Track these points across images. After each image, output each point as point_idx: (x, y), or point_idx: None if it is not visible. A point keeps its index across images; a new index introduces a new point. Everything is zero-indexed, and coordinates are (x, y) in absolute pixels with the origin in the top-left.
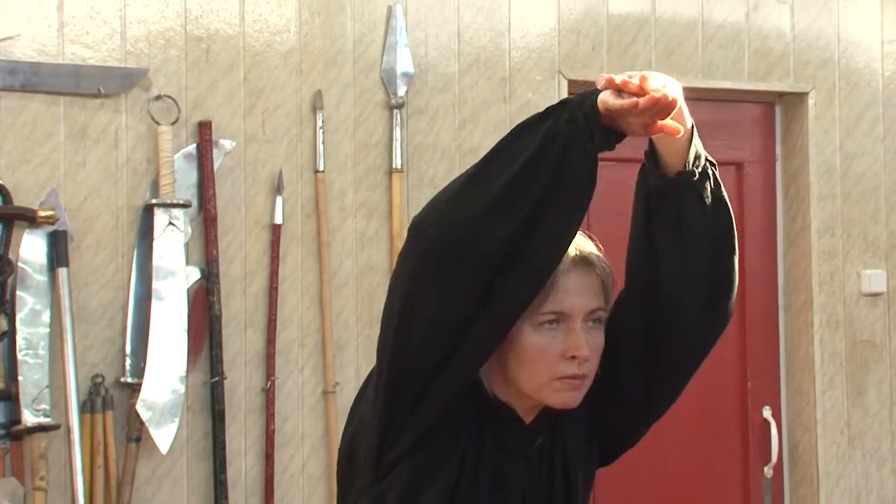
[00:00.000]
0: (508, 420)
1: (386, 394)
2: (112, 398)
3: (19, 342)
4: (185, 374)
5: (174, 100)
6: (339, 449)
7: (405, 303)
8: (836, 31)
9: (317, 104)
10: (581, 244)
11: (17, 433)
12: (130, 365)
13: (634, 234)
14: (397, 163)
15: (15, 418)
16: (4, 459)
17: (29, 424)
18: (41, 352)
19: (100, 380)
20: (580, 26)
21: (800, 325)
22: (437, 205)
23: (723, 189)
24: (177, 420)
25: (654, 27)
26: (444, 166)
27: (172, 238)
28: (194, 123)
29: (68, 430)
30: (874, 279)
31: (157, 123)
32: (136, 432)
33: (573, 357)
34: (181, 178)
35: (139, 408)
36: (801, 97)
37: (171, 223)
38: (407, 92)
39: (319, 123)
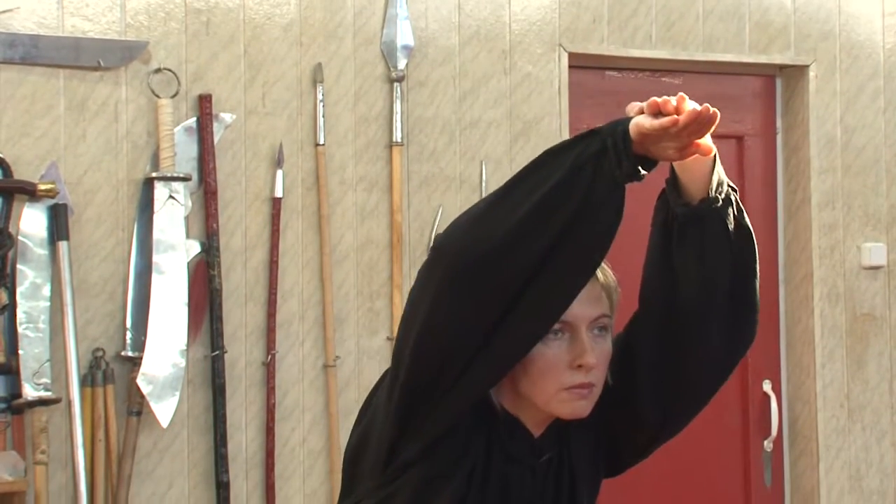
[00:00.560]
0: (517, 433)
1: (400, 401)
2: (113, 372)
3: (20, 316)
4: (185, 347)
5: (174, 73)
6: (347, 446)
7: (425, 319)
8: (837, 4)
9: (317, 77)
10: None
11: (17, 407)
12: (131, 339)
13: (653, 260)
14: (397, 136)
15: (16, 392)
16: (5, 433)
17: (30, 398)
18: (42, 325)
19: (100, 353)
20: None
21: (800, 298)
22: (460, 226)
23: (745, 214)
24: (177, 394)
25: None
26: (444, 139)
27: (173, 211)
28: (194, 96)
29: (69, 404)
30: (874, 252)
31: (157, 96)
32: (136, 406)
33: (580, 366)
34: (181, 151)
35: (140, 381)
36: (801, 70)
37: (171, 197)
38: (407, 65)
39: (320, 96)
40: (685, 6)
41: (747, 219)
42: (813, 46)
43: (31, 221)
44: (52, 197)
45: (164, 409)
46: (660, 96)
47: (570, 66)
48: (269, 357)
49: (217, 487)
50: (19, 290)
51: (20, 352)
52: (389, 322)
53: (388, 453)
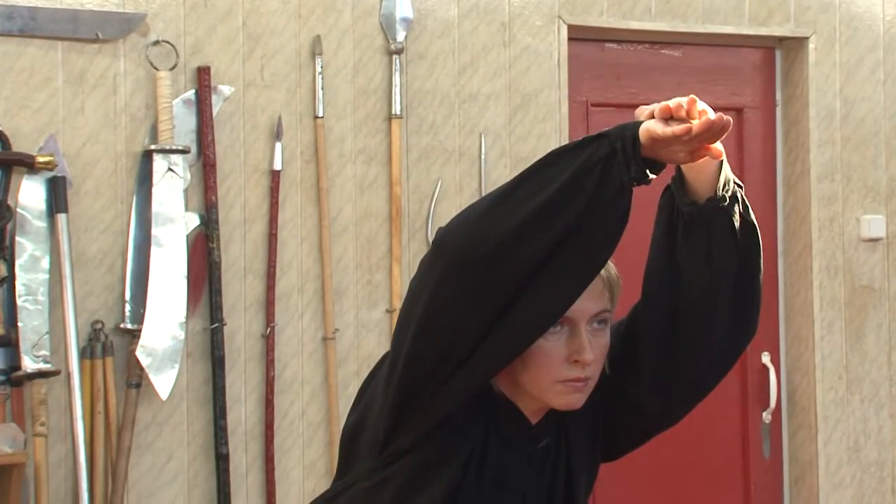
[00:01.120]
0: (514, 420)
1: (399, 386)
2: (112, 344)
3: (19, 288)
4: (184, 320)
5: (172, 45)
6: (345, 426)
7: (424, 312)
8: None
9: (316, 49)
10: None
11: (17, 379)
12: (130, 311)
13: (657, 256)
14: (397, 109)
15: (15, 364)
16: (4, 405)
17: (29, 370)
18: (41, 298)
19: (99, 326)
20: None
21: (799, 270)
22: (462, 222)
23: (751, 211)
24: (176, 366)
25: None
26: (443, 112)
27: (171, 184)
28: (193, 69)
29: (68, 376)
30: (873, 224)
31: (156, 69)
32: (135, 378)
33: (577, 361)
34: (180, 123)
35: (139, 354)
36: (801, 42)
37: (170, 169)
38: (406, 37)
39: (318, 69)
40: None
41: (753, 215)
42: (812, 18)
43: (30, 194)
44: (51, 169)
45: (163, 382)
46: (660, 66)
47: (570, 39)
48: (269, 330)
49: (216, 459)
50: (18, 262)
51: (19, 324)
52: (388, 295)
53: (384, 437)
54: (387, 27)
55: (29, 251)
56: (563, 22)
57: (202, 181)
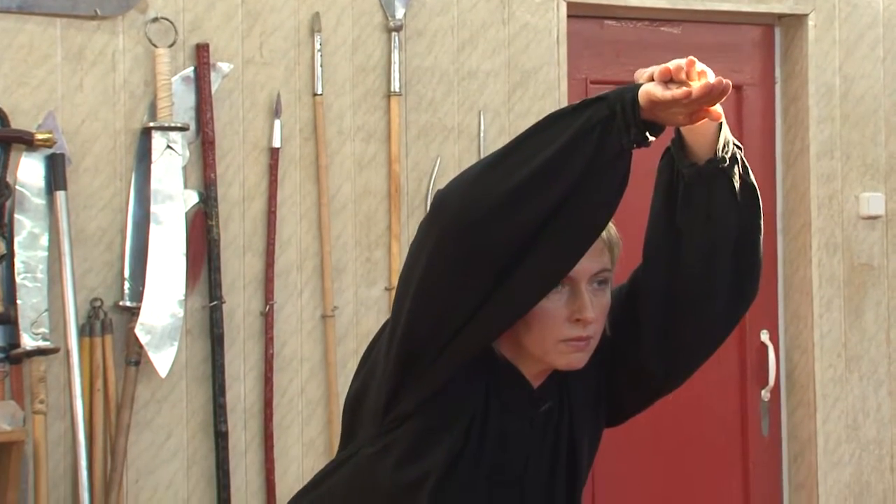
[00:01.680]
0: (516, 383)
1: (399, 352)
2: (111, 322)
3: (18, 266)
4: (183, 297)
5: (171, 22)
6: (348, 395)
7: (423, 275)
8: None
9: (315, 26)
10: None
11: (16, 357)
12: (129, 288)
13: (657, 219)
14: (395, 86)
15: (14, 342)
16: (4, 383)
17: (28, 348)
18: (40, 275)
19: (98, 303)
20: None
21: (798, 248)
22: (460, 184)
23: (750, 172)
24: (176, 344)
25: None
26: (442, 89)
27: (170, 161)
28: (192, 46)
29: (67, 354)
30: (872, 202)
31: (155, 46)
32: (135, 356)
33: (578, 320)
34: (179, 101)
35: (138, 331)
36: (800, 19)
37: (168, 146)
38: (405, 14)
39: (317, 46)
40: None
41: (752, 176)
42: None
43: (29, 171)
44: (50, 146)
45: (162, 359)
46: (659, 43)
47: (569, 16)
48: (268, 307)
49: (215, 437)
50: (17, 239)
51: (18, 301)
52: (387, 272)
53: (386, 403)
54: (386, 4)
55: (28, 228)
56: None
57: (201, 158)
